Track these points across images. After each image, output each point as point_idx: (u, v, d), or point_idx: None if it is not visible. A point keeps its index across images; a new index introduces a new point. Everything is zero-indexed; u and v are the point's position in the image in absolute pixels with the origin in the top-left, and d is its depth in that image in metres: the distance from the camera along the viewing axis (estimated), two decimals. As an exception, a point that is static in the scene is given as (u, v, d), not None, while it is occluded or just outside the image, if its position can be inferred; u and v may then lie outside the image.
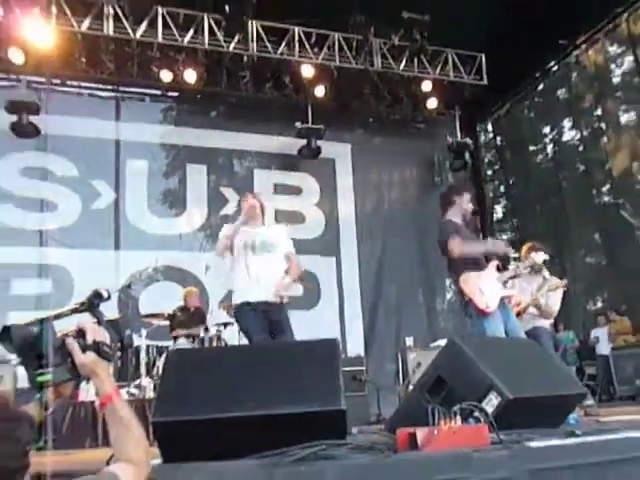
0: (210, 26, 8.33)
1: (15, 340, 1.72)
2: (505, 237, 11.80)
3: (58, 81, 8.59)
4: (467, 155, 10.21)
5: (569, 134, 10.73)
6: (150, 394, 6.11)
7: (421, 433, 2.30)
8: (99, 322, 1.92)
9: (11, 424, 1.53)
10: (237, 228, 4.63)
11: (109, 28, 7.98)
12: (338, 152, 9.93)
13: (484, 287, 4.34)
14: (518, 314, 5.29)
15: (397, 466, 2.17)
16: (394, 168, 10.33)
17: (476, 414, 2.49)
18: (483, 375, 2.66)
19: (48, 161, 8.38)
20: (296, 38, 8.75)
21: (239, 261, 4.55)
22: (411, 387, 6.41)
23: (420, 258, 9.56)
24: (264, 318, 4.42)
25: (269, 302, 4.45)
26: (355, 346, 8.77)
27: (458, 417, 2.39)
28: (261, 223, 4.83)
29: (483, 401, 2.58)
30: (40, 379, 1.73)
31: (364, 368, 7.18)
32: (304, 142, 9.28)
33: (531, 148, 11.37)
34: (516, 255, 5.80)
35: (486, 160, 11.95)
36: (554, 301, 5.55)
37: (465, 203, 4.66)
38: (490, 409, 2.55)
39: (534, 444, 2.35)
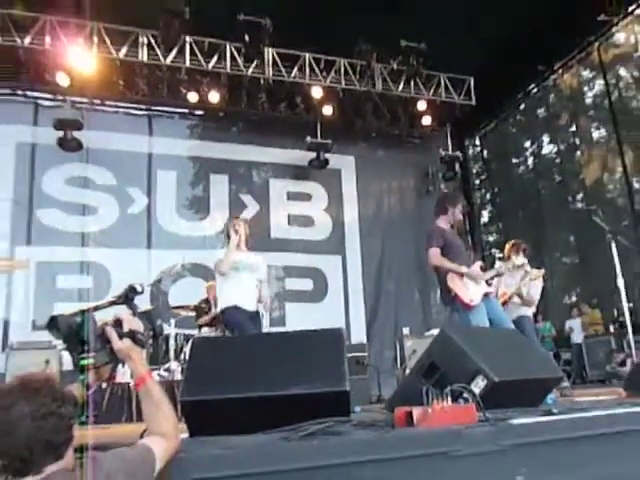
0: (231, 53, 8.35)
1: (61, 328, 1.73)
2: (491, 238, 11.78)
3: (98, 101, 8.62)
4: (457, 166, 10.18)
5: (547, 148, 10.69)
6: (178, 376, 6.11)
7: (417, 412, 2.29)
8: (134, 313, 1.92)
9: (57, 402, 1.53)
10: (231, 254, 4.83)
11: (143, 55, 8.02)
12: (343, 163, 9.92)
13: (468, 284, 4.33)
14: (504, 303, 5.28)
15: (395, 441, 2.16)
16: (393, 177, 10.31)
17: (465, 395, 2.47)
18: (471, 361, 2.65)
19: (89, 171, 8.41)
20: (307, 63, 8.76)
21: (231, 277, 4.74)
22: (408, 371, 6.40)
23: (416, 257, 9.50)
24: (250, 319, 4.64)
25: (250, 311, 4.72)
26: (358, 334, 8.75)
27: (449, 398, 2.38)
28: (245, 248, 5.01)
29: (471, 383, 2.57)
30: (83, 363, 1.74)
31: (366, 354, 7.16)
32: (314, 155, 9.27)
33: (514, 160, 11.34)
34: (500, 255, 5.78)
35: (474, 171, 11.91)
36: (535, 291, 5.52)
37: (457, 214, 4.63)
38: (477, 390, 2.54)
39: (516, 421, 2.34)
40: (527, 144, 11.02)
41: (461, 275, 4.33)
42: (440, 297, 4.65)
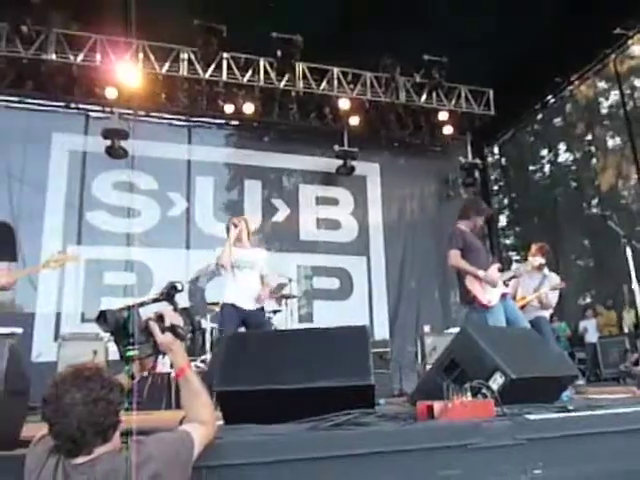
0: (265, 67, 8.40)
1: (109, 322, 1.77)
2: (508, 242, 11.61)
3: (143, 113, 8.73)
4: (477, 173, 10.03)
5: (563, 156, 10.50)
6: (213, 367, 6.17)
7: (437, 405, 2.28)
8: (175, 309, 1.95)
9: (106, 389, 1.57)
10: (230, 248, 4.73)
11: (184, 70, 8.12)
12: (369, 170, 9.87)
13: (486, 285, 4.28)
14: (523, 307, 5.22)
15: (417, 432, 2.15)
16: (415, 183, 10.22)
17: (484, 391, 2.45)
18: (490, 358, 2.62)
19: (134, 177, 8.51)
20: (335, 77, 8.75)
21: (233, 274, 4.66)
22: (428, 367, 6.33)
23: (436, 259, 9.41)
24: (239, 321, 4.53)
25: (248, 310, 4.57)
26: (381, 331, 8.70)
27: (468, 393, 2.36)
28: (245, 244, 4.88)
29: (490, 380, 2.54)
30: (128, 354, 1.77)
31: (389, 349, 7.11)
32: (341, 162, 9.26)
33: (531, 168, 11.16)
34: (517, 257, 5.70)
35: (493, 177, 11.75)
36: (553, 297, 5.45)
37: (479, 222, 4.60)
38: (495, 387, 2.51)
39: (533, 417, 2.31)
40: (544, 152, 10.84)
41: (478, 277, 4.28)
42: (459, 297, 4.60)
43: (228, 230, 4.91)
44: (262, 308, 4.71)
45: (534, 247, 5.49)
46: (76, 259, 4.49)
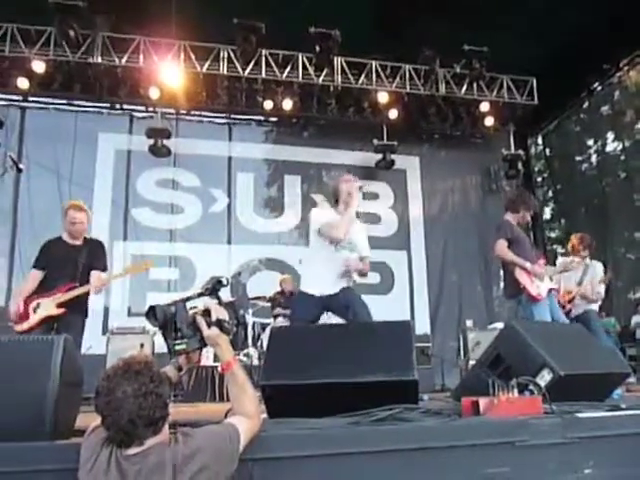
0: (303, 63, 8.40)
1: (158, 317, 1.81)
2: (553, 235, 11.30)
3: (184, 111, 8.88)
4: (520, 165, 9.80)
5: (612, 145, 10.09)
6: (255, 361, 6.24)
7: (483, 401, 2.24)
8: (220, 303, 1.97)
9: (155, 382, 1.60)
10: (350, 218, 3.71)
11: (224, 68, 8.21)
12: (409, 164, 9.77)
13: (535, 278, 4.20)
14: (570, 301, 5.09)
15: (463, 428, 2.12)
16: (456, 176, 10.06)
17: (531, 387, 2.39)
18: (537, 354, 2.56)
19: (177, 174, 8.71)
20: (373, 70, 8.68)
21: (321, 251, 3.71)
22: (471, 362, 6.25)
23: (478, 253, 9.29)
24: (317, 309, 3.70)
25: (328, 294, 3.66)
26: (423, 326, 8.62)
27: (515, 389, 2.31)
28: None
29: (537, 376, 2.48)
30: (177, 348, 1.80)
31: (430, 344, 7.06)
32: (380, 156, 9.20)
33: (577, 158, 10.77)
34: (563, 251, 5.54)
35: (536, 169, 11.43)
36: (598, 288, 5.28)
37: (526, 216, 4.54)
38: (543, 383, 2.44)
39: (583, 415, 2.24)
40: (590, 142, 10.44)
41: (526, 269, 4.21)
42: (504, 290, 4.51)
43: (337, 198, 3.84)
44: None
45: (574, 238, 5.37)
46: (151, 264, 4.88)
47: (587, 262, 5.29)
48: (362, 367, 2.41)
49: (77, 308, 3.90)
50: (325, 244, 3.69)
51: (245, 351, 6.51)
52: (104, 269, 4.07)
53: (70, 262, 3.95)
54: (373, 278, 9.11)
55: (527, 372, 2.46)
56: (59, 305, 3.82)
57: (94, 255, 4.06)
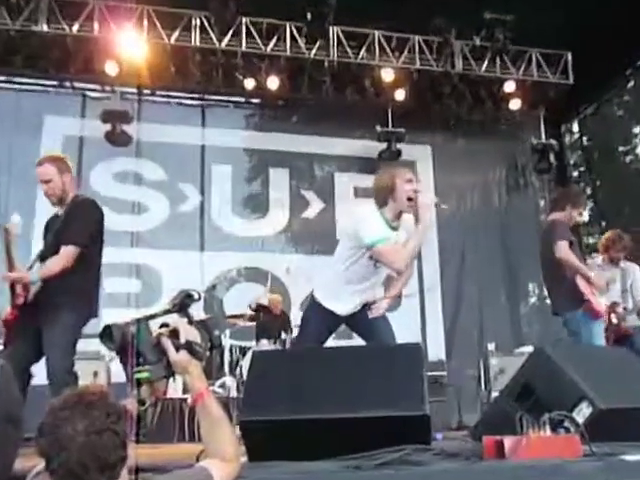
0: (292, 34, 8.42)
1: (115, 339, 1.79)
2: (592, 241, 11.35)
3: (148, 91, 8.89)
4: (552, 156, 9.85)
5: (662, 133, 10.20)
6: (234, 393, 6.23)
7: (509, 441, 2.24)
8: (190, 322, 1.97)
9: (111, 418, 1.58)
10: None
11: (196, 39, 8.22)
12: (419, 154, 9.81)
13: (594, 290, 4.32)
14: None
15: (485, 473, 2.11)
16: (476, 170, 10.09)
17: (566, 424, 2.39)
18: (574, 384, 2.56)
19: (139, 166, 8.70)
20: (376, 42, 8.72)
21: (354, 265, 3.58)
22: (494, 394, 6.26)
23: (503, 260, 9.33)
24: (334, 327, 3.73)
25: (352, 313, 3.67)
26: (436, 349, 8.63)
27: (547, 426, 2.31)
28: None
29: (574, 411, 2.48)
30: (139, 376, 1.79)
31: (445, 373, 7.08)
32: (384, 145, 9.23)
33: (620, 149, 10.86)
34: (602, 256, 5.59)
35: (572, 161, 11.50)
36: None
37: (574, 216, 4.62)
38: (581, 419, 2.45)
39: (630, 457, 2.23)
40: (637, 129, 10.54)
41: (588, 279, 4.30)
42: (556, 301, 4.56)
43: (385, 200, 3.55)
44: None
45: (611, 234, 5.46)
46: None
47: (622, 265, 5.38)
48: (363, 400, 2.41)
49: (59, 298, 3.50)
50: (364, 258, 3.51)
51: (221, 380, 6.49)
52: (74, 242, 3.56)
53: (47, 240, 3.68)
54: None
55: (562, 406, 2.47)
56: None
57: (65, 223, 3.63)
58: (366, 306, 3.66)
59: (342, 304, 3.62)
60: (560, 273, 4.39)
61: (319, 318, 3.66)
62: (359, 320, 3.66)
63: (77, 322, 3.64)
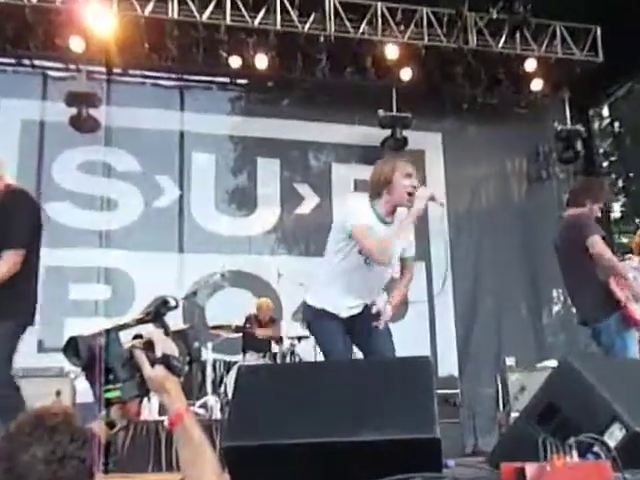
0: (283, 5, 8.41)
1: (82, 353, 1.78)
2: (625, 239, 11.39)
3: (119, 71, 8.85)
4: (579, 144, 9.88)
5: None
6: (217, 414, 6.23)
7: (530, 468, 2.23)
8: (167, 333, 1.96)
9: (76, 443, 1.58)
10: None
11: (173, 11, 8.20)
12: (427, 143, 9.85)
13: (630, 296, 4.34)
14: None
15: (503, 506, 2.12)
16: (492, 160, 10.13)
17: (596, 448, 2.39)
18: (605, 403, 2.56)
19: (108, 156, 8.68)
20: (379, 15, 8.72)
21: (344, 261, 3.80)
22: (513, 415, 6.28)
23: (523, 263, 9.34)
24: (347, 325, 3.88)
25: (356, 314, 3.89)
26: (447, 365, 8.63)
27: (574, 451, 2.30)
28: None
29: (605, 433, 2.48)
30: (108, 395, 1.78)
31: (458, 391, 7.09)
32: (388, 132, 9.23)
33: (656, 135, 10.91)
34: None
35: (601, 150, 11.56)
36: None
37: (596, 210, 4.68)
38: (613, 443, 2.45)
39: (667, 486, 2.24)
40: (675, 113, 10.59)
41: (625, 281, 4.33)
42: (585, 309, 4.57)
43: (379, 191, 3.85)
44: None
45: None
46: None
47: None
48: (364, 421, 2.40)
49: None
50: (353, 254, 3.74)
51: (203, 400, 6.49)
52: (19, 244, 3.59)
53: None
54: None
55: (591, 427, 2.46)
56: None
57: (3, 220, 3.63)
58: (366, 310, 3.85)
59: (341, 304, 3.82)
60: (588, 275, 4.40)
61: (333, 324, 3.80)
62: (360, 330, 3.84)
63: (18, 331, 3.76)
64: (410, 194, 3.75)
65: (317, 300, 3.89)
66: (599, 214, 4.78)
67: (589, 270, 4.41)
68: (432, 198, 3.82)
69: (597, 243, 4.37)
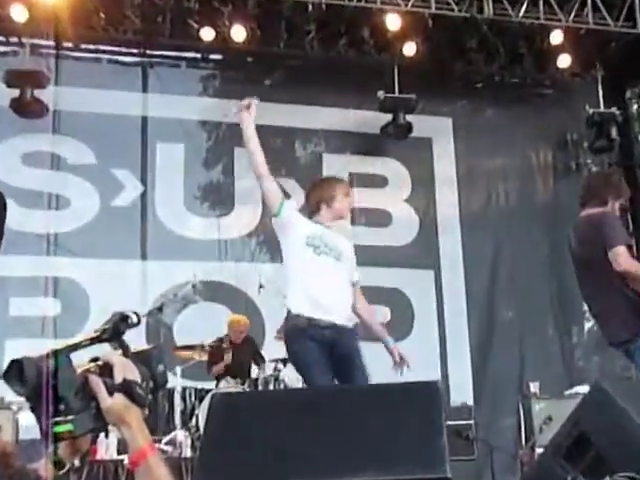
0: (264, -34, 8.49)
1: (27, 378, 1.77)
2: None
3: (70, 45, 8.84)
4: (614, 131, 9.92)
5: None
6: (187, 452, 6.21)
7: (558, 513, 2.25)
8: (127, 354, 1.95)
9: (16, 487, 1.58)
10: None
11: (135, -27, 8.25)
12: (436, 129, 9.88)
13: None
14: None
15: None
16: (512, 150, 10.14)
17: (636, 489, 2.42)
18: (645, 435, 2.58)
19: (57, 145, 8.64)
20: (378, -22, 8.78)
21: (299, 259, 4.69)
22: (538, 450, 6.29)
23: (549, 272, 9.36)
24: (327, 352, 4.47)
25: (340, 325, 4.54)
26: (460, 391, 8.66)
27: (609, 493, 2.33)
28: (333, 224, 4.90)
29: (645, 471, 2.51)
30: (58, 429, 1.77)
31: (472, 422, 7.09)
32: (389, 117, 9.24)
33: None
34: None
35: (640, 137, 11.61)
36: None
37: (616, 208, 4.68)
38: (655, 483, 2.47)
39: None
40: None
41: None
42: (613, 328, 4.57)
43: (322, 198, 4.96)
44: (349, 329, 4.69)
45: None
46: None
47: None
48: (359, 459, 2.41)
49: None
50: (300, 247, 4.67)
51: (170, 436, 6.47)
52: None
53: None
54: (380, 315, 9.13)
55: (629, 463, 2.48)
56: None
57: None
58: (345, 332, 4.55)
59: (322, 305, 4.53)
60: (615, 287, 4.41)
61: (313, 347, 4.43)
62: (340, 344, 4.51)
63: None
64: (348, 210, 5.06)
65: (297, 304, 4.61)
66: (618, 212, 4.75)
67: (615, 281, 4.41)
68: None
69: (621, 256, 4.31)
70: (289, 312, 4.60)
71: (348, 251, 4.84)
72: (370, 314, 5.02)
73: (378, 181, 9.58)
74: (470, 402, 8.25)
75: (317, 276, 4.56)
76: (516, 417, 7.59)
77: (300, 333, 4.47)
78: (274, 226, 4.80)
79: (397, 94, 9.13)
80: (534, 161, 10.26)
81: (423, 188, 9.73)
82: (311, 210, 4.92)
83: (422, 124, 9.44)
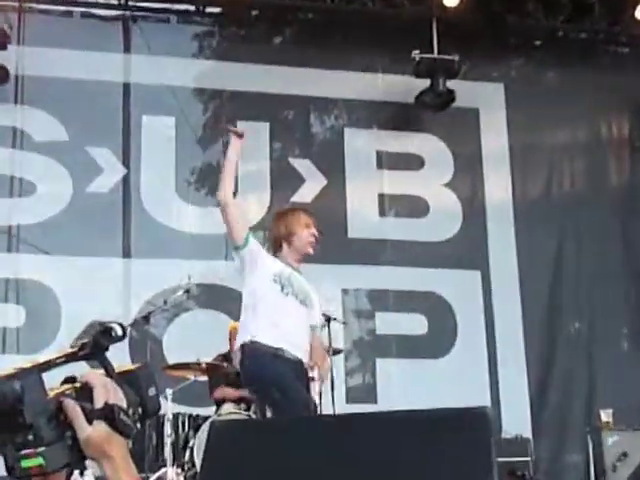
0: None
1: (-10, 403, 1.80)
2: None
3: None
4: None
5: None
6: (180, 492, 6.26)
7: None
8: (109, 375, 1.97)
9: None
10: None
11: None
12: (483, 98, 9.89)
13: None
14: None
15: None
16: (579, 121, 10.15)
17: None
18: None
19: (21, 118, 8.70)
20: None
21: (267, 292, 5.43)
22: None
23: (625, 272, 9.33)
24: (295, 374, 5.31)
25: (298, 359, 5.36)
26: (515, 420, 8.63)
27: None
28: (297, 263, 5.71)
29: None
30: (26, 464, 1.80)
31: (529, 458, 7.08)
32: (426, 83, 9.23)
33: None
34: None
35: None
36: None
37: None
38: None
39: None
40: None
41: None
42: None
43: (286, 231, 5.71)
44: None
45: None
46: None
47: None
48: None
49: None
50: (262, 279, 5.44)
51: (158, 473, 6.50)
52: None
53: None
54: (414, 325, 9.14)
55: None
56: None
57: None
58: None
59: (289, 341, 5.35)
60: None
61: (279, 362, 5.28)
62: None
63: None
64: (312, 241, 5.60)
65: (262, 335, 5.37)
66: None
67: None
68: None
69: None
70: (252, 341, 5.29)
71: (314, 297, 5.65)
72: (322, 357, 5.72)
73: (412, 162, 9.58)
74: (527, 434, 8.25)
75: (285, 314, 5.37)
76: (584, 453, 7.57)
77: (266, 353, 5.24)
78: (237, 258, 5.62)
79: (436, 55, 9.10)
80: (606, 134, 10.24)
81: (468, 170, 9.74)
82: (274, 247, 5.74)
83: (467, 92, 9.40)
